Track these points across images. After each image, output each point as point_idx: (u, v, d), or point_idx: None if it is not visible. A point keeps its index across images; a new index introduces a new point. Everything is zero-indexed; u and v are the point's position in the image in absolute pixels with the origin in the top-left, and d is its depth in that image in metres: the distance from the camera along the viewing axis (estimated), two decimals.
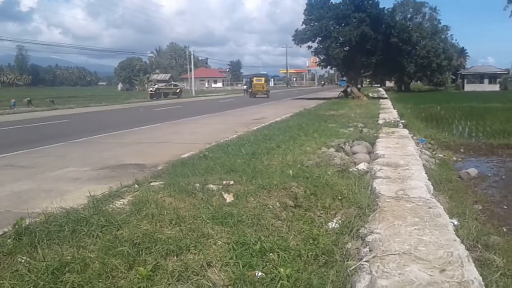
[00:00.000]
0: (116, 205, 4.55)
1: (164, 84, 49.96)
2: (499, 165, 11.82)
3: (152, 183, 5.57)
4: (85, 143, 11.11)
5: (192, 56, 63.43)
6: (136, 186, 5.49)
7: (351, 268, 3.37)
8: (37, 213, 4.33)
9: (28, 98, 33.85)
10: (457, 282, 2.91)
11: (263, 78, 46.72)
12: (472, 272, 3.08)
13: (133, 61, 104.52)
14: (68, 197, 5.18)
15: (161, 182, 5.57)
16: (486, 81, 66.52)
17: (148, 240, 3.53)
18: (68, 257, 3.18)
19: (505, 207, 7.54)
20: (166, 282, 2.96)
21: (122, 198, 4.84)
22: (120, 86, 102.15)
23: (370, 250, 3.58)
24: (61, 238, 3.56)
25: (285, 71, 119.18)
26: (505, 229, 5.80)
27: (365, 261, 3.37)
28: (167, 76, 56.15)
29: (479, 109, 24.44)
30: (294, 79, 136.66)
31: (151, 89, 47.15)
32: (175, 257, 3.35)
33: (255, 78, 47.03)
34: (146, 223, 3.94)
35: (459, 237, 3.91)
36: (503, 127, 16.50)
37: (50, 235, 3.60)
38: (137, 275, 2.98)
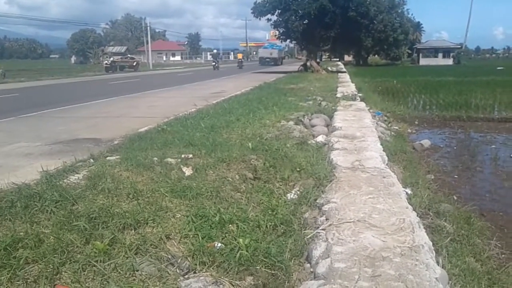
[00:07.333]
0: (71, 180, 4.41)
1: (120, 57, 48.40)
2: (451, 136, 12.28)
3: (108, 158, 5.43)
4: (36, 117, 10.68)
5: (148, 28, 61.75)
6: (92, 160, 5.35)
7: (308, 237, 3.46)
8: None
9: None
10: (408, 247, 3.04)
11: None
12: (422, 238, 3.22)
13: (86, 33, 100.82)
14: (20, 173, 4.98)
15: (117, 157, 5.44)
16: (440, 55, 68.36)
17: (105, 214, 3.46)
18: (21, 233, 3.07)
19: (455, 176, 7.87)
20: (123, 256, 2.93)
21: (77, 173, 4.70)
22: (73, 59, 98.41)
23: (326, 219, 3.68)
24: (13, 214, 3.43)
25: (245, 45, 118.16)
26: (455, 197, 6.08)
27: (322, 229, 3.46)
28: (123, 49, 54.42)
29: (433, 82, 25.07)
30: (254, 52, 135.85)
31: (106, 62, 45.52)
32: (132, 231, 3.31)
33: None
34: (103, 198, 3.85)
35: (411, 205, 4.08)
36: (455, 100, 17.04)
37: (1, 211, 3.46)
38: (94, 249, 2.93)
